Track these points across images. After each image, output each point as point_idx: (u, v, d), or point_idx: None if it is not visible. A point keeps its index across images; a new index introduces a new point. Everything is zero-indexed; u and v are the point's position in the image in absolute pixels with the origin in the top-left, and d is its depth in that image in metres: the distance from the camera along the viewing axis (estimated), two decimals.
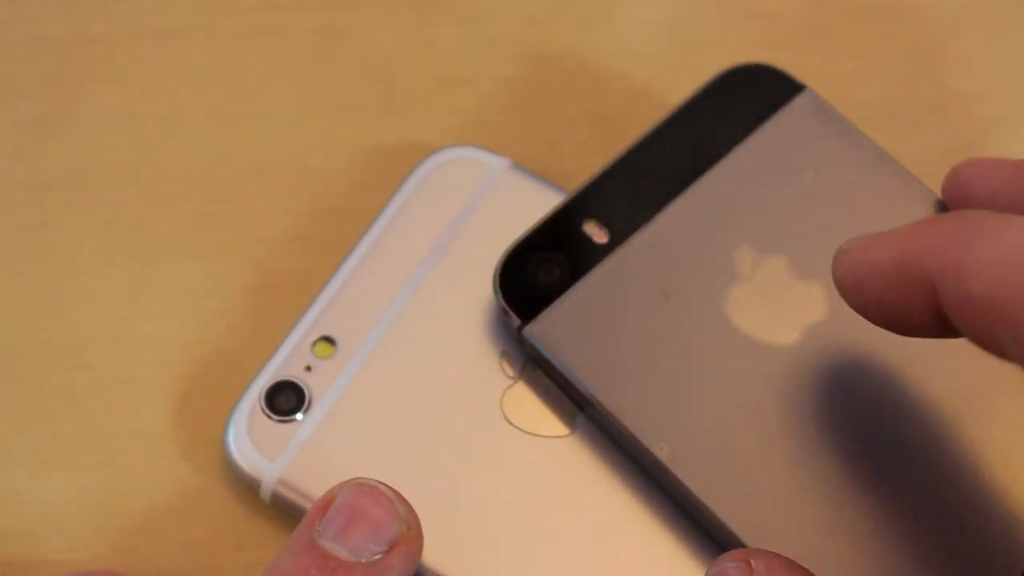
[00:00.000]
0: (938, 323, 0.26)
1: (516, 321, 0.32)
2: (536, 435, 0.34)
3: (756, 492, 0.30)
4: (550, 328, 0.32)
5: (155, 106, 0.40)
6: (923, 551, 0.30)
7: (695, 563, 0.32)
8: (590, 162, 0.39)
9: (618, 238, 0.33)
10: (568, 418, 0.34)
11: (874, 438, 0.31)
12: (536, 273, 0.33)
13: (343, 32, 0.42)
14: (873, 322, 0.28)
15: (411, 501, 0.31)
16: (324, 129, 0.40)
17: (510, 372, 0.34)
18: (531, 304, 0.32)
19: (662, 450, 0.31)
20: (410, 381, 0.34)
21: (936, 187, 0.40)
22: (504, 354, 0.35)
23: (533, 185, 0.37)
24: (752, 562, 0.28)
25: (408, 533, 0.30)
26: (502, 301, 0.33)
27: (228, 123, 0.40)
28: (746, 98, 0.35)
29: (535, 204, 0.36)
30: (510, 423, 0.34)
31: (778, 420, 0.31)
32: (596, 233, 0.33)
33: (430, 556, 0.32)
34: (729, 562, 0.28)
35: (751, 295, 0.32)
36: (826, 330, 0.32)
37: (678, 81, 0.41)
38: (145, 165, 0.39)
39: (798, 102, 0.35)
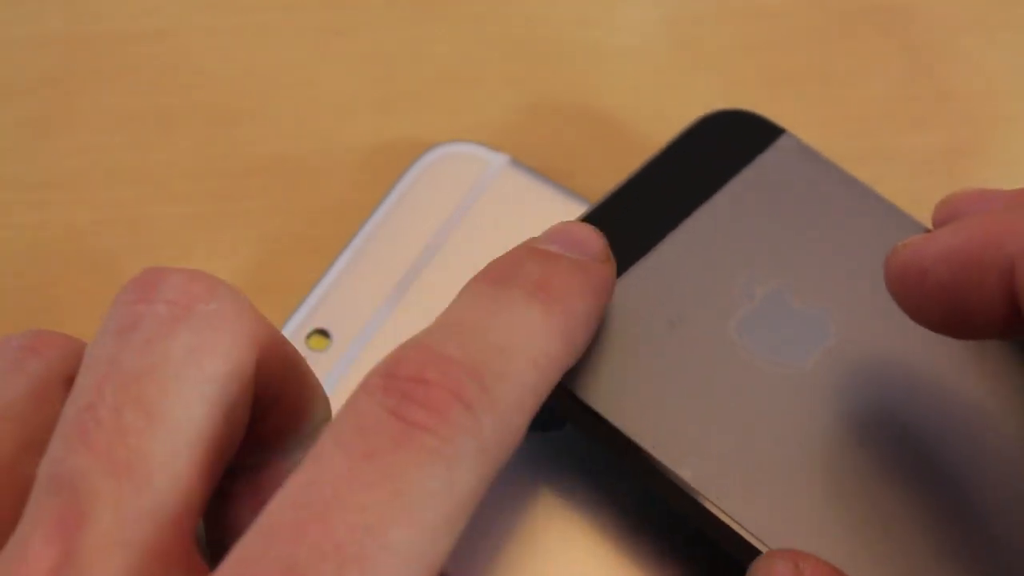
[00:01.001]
0: (1008, 311, 0.26)
1: None
2: (529, 432, 0.34)
3: (781, 507, 0.30)
4: None
5: (155, 105, 0.40)
6: (955, 565, 0.30)
7: (693, 560, 0.32)
8: (589, 162, 0.40)
9: (618, 268, 0.33)
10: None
11: (897, 453, 0.31)
12: None
13: (342, 31, 0.42)
14: (931, 319, 0.28)
15: None
16: (323, 128, 0.40)
17: None
18: None
19: (686, 472, 0.31)
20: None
21: (938, 187, 0.40)
22: None
23: (532, 182, 0.37)
24: (800, 564, 0.27)
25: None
26: None
27: (227, 122, 0.40)
28: (727, 142, 0.35)
29: (534, 201, 0.36)
30: None
31: (798, 439, 0.31)
32: None
33: None
34: (779, 559, 0.28)
35: (756, 321, 0.33)
36: (837, 354, 0.32)
37: (677, 81, 0.41)
38: (144, 164, 0.39)
39: (780, 144, 0.35)
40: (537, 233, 0.34)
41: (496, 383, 0.25)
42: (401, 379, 0.24)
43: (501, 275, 0.28)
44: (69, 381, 0.25)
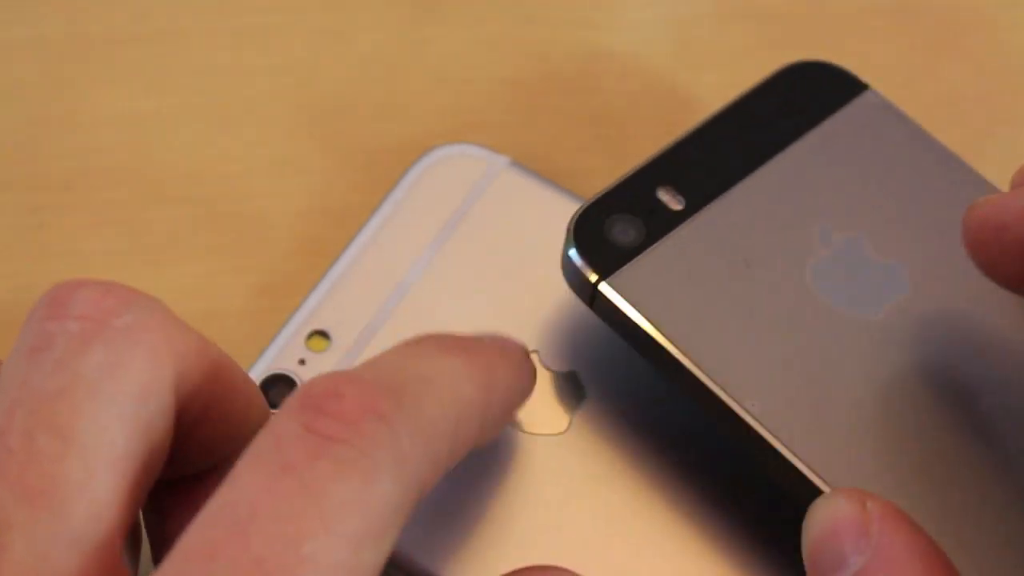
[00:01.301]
0: None
1: (593, 276, 0.32)
2: (531, 433, 0.34)
3: (846, 450, 0.30)
4: (630, 284, 0.32)
5: (154, 106, 0.40)
6: (1013, 514, 0.30)
7: (693, 561, 0.32)
8: (589, 162, 0.40)
9: (693, 206, 0.33)
10: (564, 415, 0.34)
11: (964, 406, 0.31)
12: (611, 233, 0.33)
13: (340, 32, 0.42)
14: (1005, 276, 0.28)
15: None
16: (323, 129, 0.40)
17: None
18: (608, 261, 0.32)
19: (753, 406, 0.31)
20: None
21: None
22: None
23: (533, 183, 0.37)
24: (868, 504, 0.27)
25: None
26: (578, 257, 0.32)
27: (227, 123, 0.40)
28: (815, 90, 0.35)
29: (534, 202, 0.36)
30: None
31: (867, 387, 0.31)
32: (671, 200, 0.33)
33: (423, 553, 0.32)
34: (844, 498, 0.27)
35: (832, 268, 0.33)
36: (910, 306, 0.32)
37: (678, 81, 0.41)
38: (144, 165, 0.39)
39: (863, 99, 0.35)
40: (537, 235, 0.34)
41: (413, 401, 0.24)
42: (315, 396, 0.23)
43: (428, 337, 0.28)
44: None
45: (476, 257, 0.36)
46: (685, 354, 0.31)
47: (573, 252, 0.33)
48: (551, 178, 0.38)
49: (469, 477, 0.33)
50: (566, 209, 0.36)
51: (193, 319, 0.37)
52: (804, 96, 0.35)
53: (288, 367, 0.34)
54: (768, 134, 0.34)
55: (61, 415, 0.23)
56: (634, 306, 0.32)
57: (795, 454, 0.30)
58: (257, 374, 0.34)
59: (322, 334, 0.35)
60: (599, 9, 0.42)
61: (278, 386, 0.34)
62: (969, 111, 0.41)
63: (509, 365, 0.29)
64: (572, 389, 0.34)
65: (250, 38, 0.41)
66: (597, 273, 0.32)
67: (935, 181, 0.34)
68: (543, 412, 0.34)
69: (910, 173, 0.34)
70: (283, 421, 0.23)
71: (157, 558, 0.26)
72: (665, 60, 0.42)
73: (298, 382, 0.34)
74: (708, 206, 0.33)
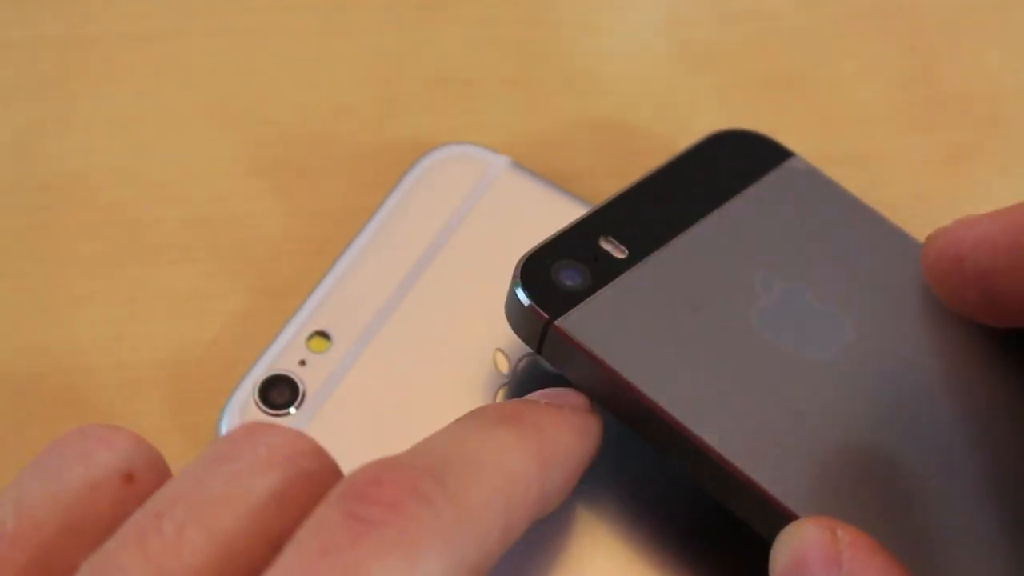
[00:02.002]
0: None
1: (544, 315, 0.33)
2: None
3: (808, 477, 0.30)
4: (582, 323, 0.32)
5: (154, 107, 0.40)
6: (972, 540, 0.30)
7: (693, 556, 0.32)
8: (590, 163, 0.40)
9: (636, 255, 0.34)
10: None
11: (914, 438, 0.31)
12: (557, 278, 0.33)
13: (343, 32, 0.42)
14: (964, 304, 0.28)
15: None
16: (323, 129, 0.40)
17: (504, 370, 0.34)
18: (556, 303, 0.33)
19: (713, 436, 0.31)
20: (404, 377, 0.34)
21: (938, 188, 0.40)
22: (498, 352, 0.35)
23: (533, 183, 0.37)
24: (839, 531, 0.27)
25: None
26: (527, 298, 0.33)
27: (227, 124, 0.40)
28: (737, 159, 0.36)
29: (535, 202, 0.36)
30: None
31: (821, 420, 0.31)
32: (614, 249, 0.34)
33: None
34: (812, 525, 0.27)
35: (776, 314, 0.33)
36: (855, 348, 0.33)
37: (678, 81, 0.41)
38: (145, 165, 0.39)
39: (788, 165, 0.36)
40: (537, 234, 0.34)
41: (457, 482, 0.24)
42: (356, 484, 0.24)
43: (476, 411, 0.28)
44: (128, 477, 0.25)
45: (477, 257, 0.36)
46: (643, 389, 0.31)
47: (521, 294, 0.32)
48: (551, 179, 0.38)
49: None
50: (566, 209, 0.36)
51: (193, 320, 0.37)
52: (729, 163, 0.36)
53: (289, 368, 0.34)
54: (702, 193, 0.35)
55: (220, 519, 0.23)
56: (587, 344, 0.32)
57: (758, 480, 0.30)
58: (257, 375, 0.34)
59: (323, 335, 0.35)
60: (599, 9, 0.42)
61: (278, 387, 0.34)
62: (969, 111, 0.41)
63: (568, 429, 0.29)
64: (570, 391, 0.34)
65: (250, 38, 0.41)
66: (547, 314, 0.32)
67: (862, 239, 0.35)
68: None
69: (837, 233, 0.35)
70: (325, 510, 0.23)
71: None
72: (665, 60, 0.42)
73: (298, 382, 0.34)
74: (651, 255, 0.33)
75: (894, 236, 0.35)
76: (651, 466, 0.34)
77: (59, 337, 0.37)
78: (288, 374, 0.34)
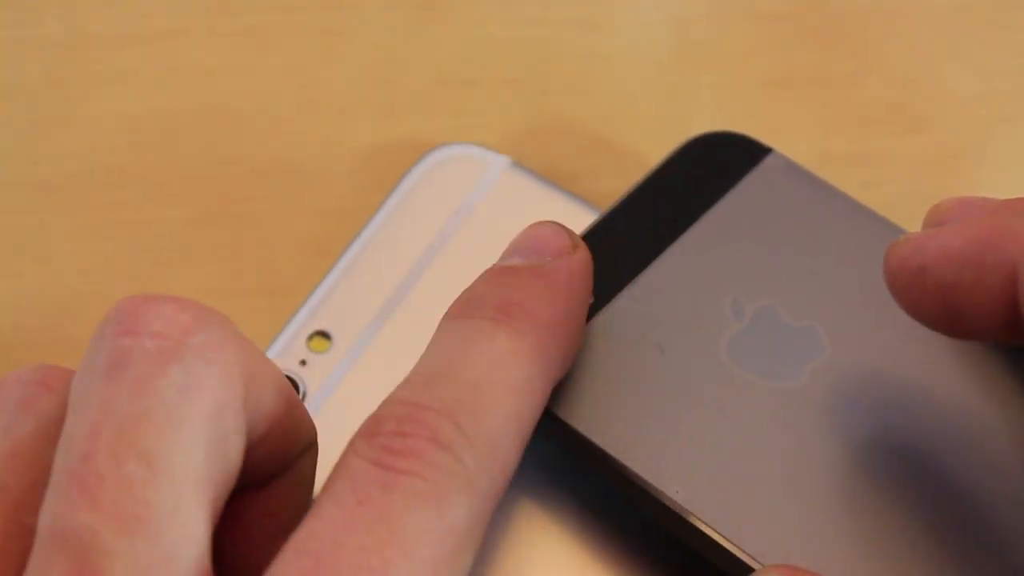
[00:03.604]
0: (1007, 315, 0.26)
1: None
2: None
3: (775, 525, 0.30)
4: None
5: (155, 107, 0.40)
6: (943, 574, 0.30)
7: (694, 568, 0.32)
8: (590, 163, 0.40)
9: (603, 299, 0.33)
10: None
11: (891, 468, 0.31)
12: None
13: (343, 32, 0.42)
14: (926, 316, 0.28)
15: None
16: (324, 130, 0.40)
17: None
18: None
19: (677, 493, 0.31)
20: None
21: (938, 189, 0.40)
22: None
23: (534, 184, 0.37)
24: None
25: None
26: None
27: (228, 124, 0.40)
28: (714, 164, 0.35)
29: (535, 203, 0.36)
30: None
31: (791, 456, 0.31)
32: None
33: None
34: (775, 573, 0.27)
35: (747, 341, 0.33)
36: (829, 368, 0.32)
37: (677, 82, 0.41)
38: (145, 166, 0.39)
39: (767, 163, 0.35)
40: None
41: (472, 419, 0.25)
42: (382, 435, 0.25)
43: (464, 308, 0.28)
44: None
45: (477, 257, 0.36)
46: (606, 448, 0.31)
47: None
48: (552, 179, 0.38)
49: None
50: (567, 209, 0.36)
51: None
52: (707, 169, 0.35)
53: (290, 368, 0.34)
54: (673, 213, 0.34)
55: (146, 439, 0.23)
56: (550, 409, 0.31)
57: (723, 535, 0.30)
58: None
59: (323, 335, 0.35)
60: (599, 9, 0.42)
61: None
62: (969, 111, 0.41)
63: (557, 293, 0.29)
64: None
65: (250, 38, 0.41)
66: None
67: (844, 236, 0.34)
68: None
69: (818, 231, 0.34)
70: (353, 459, 0.24)
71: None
72: (665, 60, 0.42)
73: (299, 382, 0.34)
74: (617, 295, 0.33)
75: (878, 228, 0.34)
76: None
77: (59, 337, 0.37)
78: (289, 374, 0.34)
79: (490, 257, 0.35)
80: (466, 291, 0.29)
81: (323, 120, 0.40)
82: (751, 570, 0.29)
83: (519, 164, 0.38)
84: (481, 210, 0.37)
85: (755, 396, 0.32)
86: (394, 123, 0.40)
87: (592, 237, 0.34)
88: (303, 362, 0.34)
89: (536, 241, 0.30)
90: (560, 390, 0.31)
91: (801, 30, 0.42)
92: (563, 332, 0.29)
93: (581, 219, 0.34)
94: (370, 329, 0.35)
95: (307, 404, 0.34)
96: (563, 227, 0.31)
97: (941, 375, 0.32)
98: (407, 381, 0.27)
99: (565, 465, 0.33)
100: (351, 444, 0.25)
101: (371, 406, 0.34)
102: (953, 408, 0.31)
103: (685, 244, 0.34)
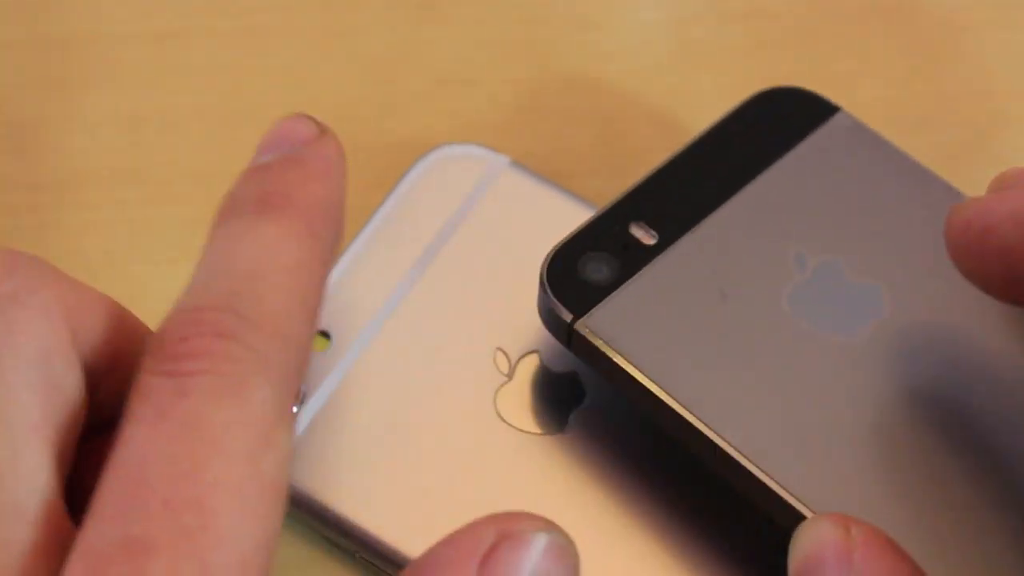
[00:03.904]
0: None
1: (568, 316, 0.32)
2: (530, 432, 0.34)
3: (828, 476, 0.30)
4: (606, 322, 0.32)
5: (155, 107, 0.40)
6: (996, 541, 0.30)
7: (691, 560, 0.32)
8: (590, 164, 0.40)
9: (667, 240, 0.33)
10: (562, 415, 0.34)
11: (945, 429, 0.31)
12: (585, 271, 0.33)
13: (341, 33, 0.42)
14: (985, 278, 0.28)
15: (403, 496, 0.32)
16: None
17: (504, 369, 0.34)
18: (582, 300, 0.33)
19: (733, 437, 0.31)
20: (404, 377, 0.34)
21: None
22: (498, 351, 0.35)
23: (533, 183, 0.37)
24: (853, 529, 0.27)
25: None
26: (552, 297, 0.33)
27: (228, 124, 0.40)
28: (786, 116, 0.35)
29: (535, 202, 0.36)
30: (503, 420, 0.34)
31: (848, 410, 0.31)
32: (644, 235, 0.34)
33: (420, 550, 0.32)
34: (827, 523, 0.27)
35: (809, 294, 0.33)
36: (889, 328, 0.32)
37: (677, 82, 0.41)
38: (145, 166, 0.39)
39: (835, 121, 0.35)
40: (538, 235, 0.34)
41: (252, 305, 0.25)
42: (166, 345, 0.24)
43: (227, 211, 0.28)
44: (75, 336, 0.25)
45: (477, 257, 0.36)
46: (662, 390, 0.31)
47: (547, 292, 0.33)
48: (552, 179, 0.38)
49: (466, 477, 0.33)
50: (567, 209, 0.36)
51: None
52: (775, 122, 0.35)
53: None
54: (740, 162, 0.35)
55: None
56: (609, 345, 0.32)
57: (776, 481, 0.30)
58: None
59: (323, 334, 0.35)
60: (599, 9, 0.42)
61: None
62: (969, 111, 0.41)
63: (316, 179, 0.29)
64: (571, 390, 0.34)
65: (250, 38, 0.41)
66: (572, 313, 0.32)
67: (909, 198, 0.34)
68: (542, 413, 0.34)
69: (883, 192, 0.34)
70: (144, 378, 0.24)
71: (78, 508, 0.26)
72: (665, 60, 0.42)
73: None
74: (681, 239, 0.33)
75: (943, 192, 0.34)
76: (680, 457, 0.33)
77: None
78: None
79: (490, 256, 0.35)
80: (225, 196, 0.29)
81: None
82: (800, 516, 0.29)
83: (519, 163, 0.37)
84: (481, 210, 0.36)
85: (812, 348, 0.32)
86: (394, 123, 0.40)
87: (657, 180, 0.34)
88: None
89: (283, 134, 0.30)
90: (619, 326, 0.32)
91: (801, 29, 0.42)
92: (325, 213, 0.28)
93: (579, 218, 0.34)
94: (369, 328, 0.35)
95: (306, 404, 0.34)
96: (308, 116, 0.30)
97: (999, 342, 0.32)
98: (184, 292, 0.26)
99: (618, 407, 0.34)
100: (140, 365, 0.24)
101: (371, 405, 0.34)
102: (1009, 376, 0.32)
103: (751, 194, 0.34)
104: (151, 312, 0.37)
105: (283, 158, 0.29)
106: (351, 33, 0.42)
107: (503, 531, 0.26)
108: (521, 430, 0.34)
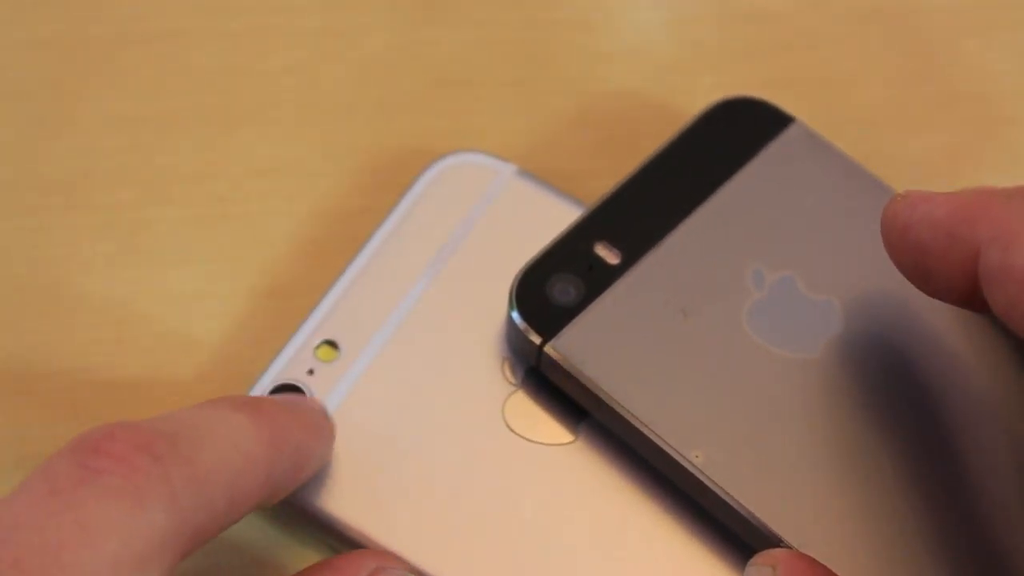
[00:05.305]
0: (966, 288, 0.28)
1: (537, 339, 0.33)
2: (538, 442, 0.34)
3: (790, 492, 0.31)
4: (574, 344, 0.33)
5: (154, 108, 0.40)
6: (959, 551, 0.30)
7: (698, 570, 0.32)
8: (590, 164, 0.40)
9: (630, 259, 0.34)
10: (571, 425, 0.34)
11: (905, 439, 0.31)
12: (552, 293, 0.33)
13: (341, 34, 0.42)
14: (904, 269, 0.29)
15: (412, 507, 0.32)
16: (323, 131, 0.40)
17: (512, 379, 0.34)
18: (550, 322, 0.33)
19: (697, 457, 0.31)
20: (412, 386, 0.34)
21: (939, 189, 0.40)
22: (506, 360, 0.35)
23: (540, 191, 0.37)
24: (779, 567, 0.28)
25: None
26: (521, 320, 0.33)
27: (228, 126, 0.40)
28: (741, 128, 0.36)
29: (542, 211, 0.36)
30: (512, 430, 0.34)
31: (807, 426, 0.32)
32: (608, 254, 0.34)
33: (431, 563, 0.32)
34: (751, 566, 0.29)
35: (767, 311, 0.33)
36: (845, 342, 0.33)
37: (678, 83, 0.41)
38: (145, 167, 0.39)
39: (789, 133, 0.36)
40: (542, 244, 0.34)
41: (189, 445, 0.25)
42: (89, 438, 0.25)
43: (211, 401, 0.29)
44: None
45: (485, 266, 0.36)
46: (628, 411, 0.32)
47: (516, 315, 0.33)
48: (553, 180, 0.38)
49: (475, 487, 0.33)
50: (573, 216, 0.36)
51: (194, 322, 0.37)
52: (731, 134, 0.36)
53: (297, 377, 0.34)
54: (698, 177, 0.35)
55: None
56: (577, 367, 0.32)
57: (738, 501, 0.31)
58: (266, 384, 0.34)
59: (331, 344, 0.35)
60: (599, 10, 0.42)
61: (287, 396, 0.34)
62: (969, 112, 0.41)
63: (301, 426, 0.30)
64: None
65: (251, 40, 0.41)
66: (540, 336, 0.33)
67: (862, 209, 0.35)
68: (550, 423, 0.34)
69: (837, 204, 0.35)
70: (56, 459, 0.24)
71: None
72: (665, 60, 0.42)
73: (307, 392, 0.34)
74: (644, 257, 0.34)
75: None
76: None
77: (58, 338, 0.37)
78: (297, 383, 0.34)
79: (498, 265, 0.35)
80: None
81: (323, 121, 0.40)
82: (762, 534, 0.30)
83: (525, 171, 0.37)
84: (489, 218, 0.36)
85: (770, 365, 0.32)
86: (394, 124, 0.40)
87: (620, 198, 0.35)
88: (311, 371, 0.34)
89: (292, 398, 0.32)
90: (587, 348, 0.32)
91: (802, 31, 0.42)
92: (299, 455, 0.29)
93: None
94: (378, 338, 0.35)
95: None
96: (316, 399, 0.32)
97: (958, 353, 0.32)
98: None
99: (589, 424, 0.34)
100: (58, 450, 0.24)
101: (380, 415, 0.34)
102: (967, 387, 0.32)
103: (709, 209, 0.34)
104: (151, 314, 0.37)
105: (285, 401, 0.31)
106: (351, 34, 0.42)
107: (382, 565, 0.28)
108: (530, 440, 0.34)
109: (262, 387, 0.34)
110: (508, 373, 0.34)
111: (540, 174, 0.38)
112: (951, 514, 0.31)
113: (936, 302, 0.29)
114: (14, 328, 0.37)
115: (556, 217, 0.36)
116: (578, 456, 0.33)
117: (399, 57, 0.41)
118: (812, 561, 0.29)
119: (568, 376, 0.33)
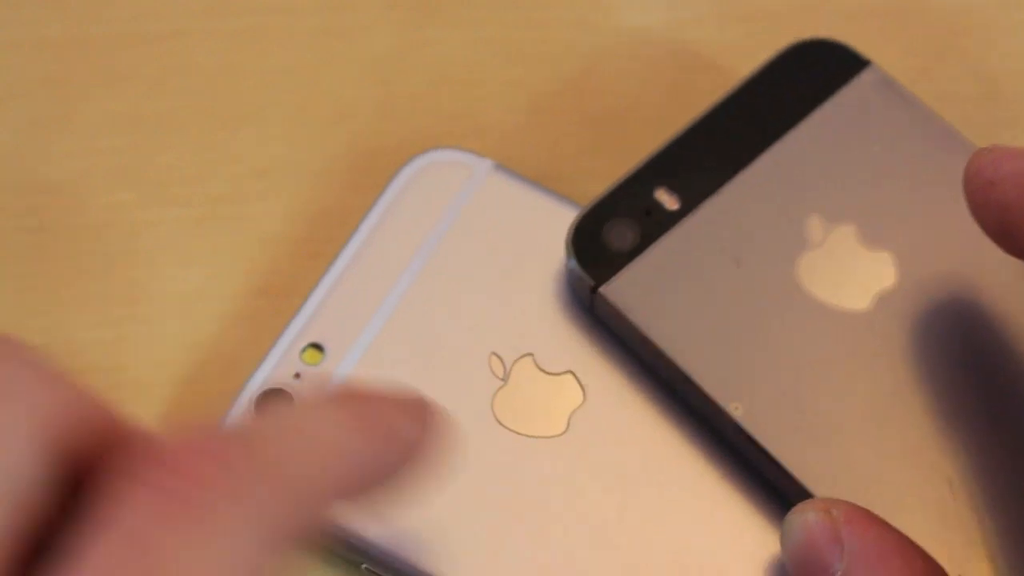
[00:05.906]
0: None
1: (590, 282, 0.33)
2: (527, 436, 0.34)
3: (829, 449, 0.31)
4: (626, 289, 0.33)
5: (153, 108, 0.40)
6: (1008, 518, 0.30)
7: (691, 560, 0.32)
8: (590, 164, 0.40)
9: (689, 205, 0.34)
10: (562, 418, 0.34)
11: (950, 398, 0.31)
12: (608, 238, 0.34)
13: (340, 34, 0.42)
14: (986, 226, 0.29)
15: (403, 504, 0.32)
16: (322, 132, 0.40)
17: (500, 373, 0.35)
18: (604, 267, 0.33)
19: (736, 409, 0.31)
20: (400, 385, 0.34)
21: None
22: (493, 355, 0.35)
23: (517, 186, 0.37)
24: (833, 511, 0.28)
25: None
26: (576, 263, 0.33)
27: (226, 126, 0.40)
28: (813, 72, 0.35)
29: (520, 205, 0.36)
30: (501, 424, 0.34)
31: (852, 381, 0.32)
32: (667, 200, 0.34)
33: (423, 558, 0.32)
34: (809, 510, 0.29)
35: (821, 262, 0.33)
36: (897, 297, 0.33)
37: (677, 83, 0.41)
38: (143, 167, 0.39)
39: (864, 76, 0.35)
40: (525, 236, 0.34)
41: (275, 451, 0.23)
42: (166, 456, 0.22)
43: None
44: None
45: (466, 261, 0.36)
46: (675, 358, 0.32)
47: (571, 259, 0.33)
48: (551, 181, 0.38)
49: (466, 481, 0.33)
50: (552, 210, 0.36)
51: (193, 322, 0.37)
52: (803, 78, 0.35)
53: (284, 381, 0.34)
54: (765, 122, 0.35)
55: None
56: (628, 312, 0.32)
57: (777, 453, 0.31)
58: (253, 389, 0.34)
59: (316, 347, 0.35)
60: (599, 10, 0.42)
61: (274, 401, 0.34)
62: (969, 111, 0.41)
63: (407, 416, 0.27)
64: (568, 391, 0.34)
65: (250, 40, 0.41)
66: (594, 280, 0.33)
67: (931, 160, 0.34)
68: (540, 415, 0.34)
69: (905, 154, 0.35)
70: (127, 484, 0.22)
71: None
72: (665, 60, 0.42)
73: (294, 396, 0.34)
74: (702, 204, 0.34)
75: (966, 153, 0.34)
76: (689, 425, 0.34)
77: (58, 338, 0.37)
78: (284, 388, 0.34)
79: (478, 260, 0.35)
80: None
81: (322, 121, 0.40)
82: (801, 489, 0.30)
83: (502, 166, 0.37)
84: (467, 214, 0.36)
85: (823, 318, 0.32)
86: (393, 124, 0.40)
87: (684, 142, 0.35)
88: (297, 375, 0.34)
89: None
90: (638, 294, 0.33)
91: (801, 30, 0.42)
92: (402, 450, 0.26)
93: (565, 219, 0.35)
94: (363, 338, 0.35)
95: None
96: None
97: (1017, 317, 0.32)
98: None
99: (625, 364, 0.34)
100: (130, 464, 0.22)
101: None
102: (1020, 344, 0.32)
103: (773, 156, 0.34)
104: (150, 313, 0.37)
105: (389, 394, 0.27)
106: (350, 34, 0.42)
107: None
108: (520, 434, 0.34)
109: (249, 392, 0.34)
110: (495, 368, 0.35)
111: (539, 174, 0.38)
112: (998, 480, 0.30)
113: (1000, 266, 0.29)
114: (14, 328, 0.37)
115: (535, 210, 0.36)
116: (568, 448, 0.34)
117: (398, 57, 0.41)
118: (866, 510, 0.29)
119: (618, 321, 0.33)
